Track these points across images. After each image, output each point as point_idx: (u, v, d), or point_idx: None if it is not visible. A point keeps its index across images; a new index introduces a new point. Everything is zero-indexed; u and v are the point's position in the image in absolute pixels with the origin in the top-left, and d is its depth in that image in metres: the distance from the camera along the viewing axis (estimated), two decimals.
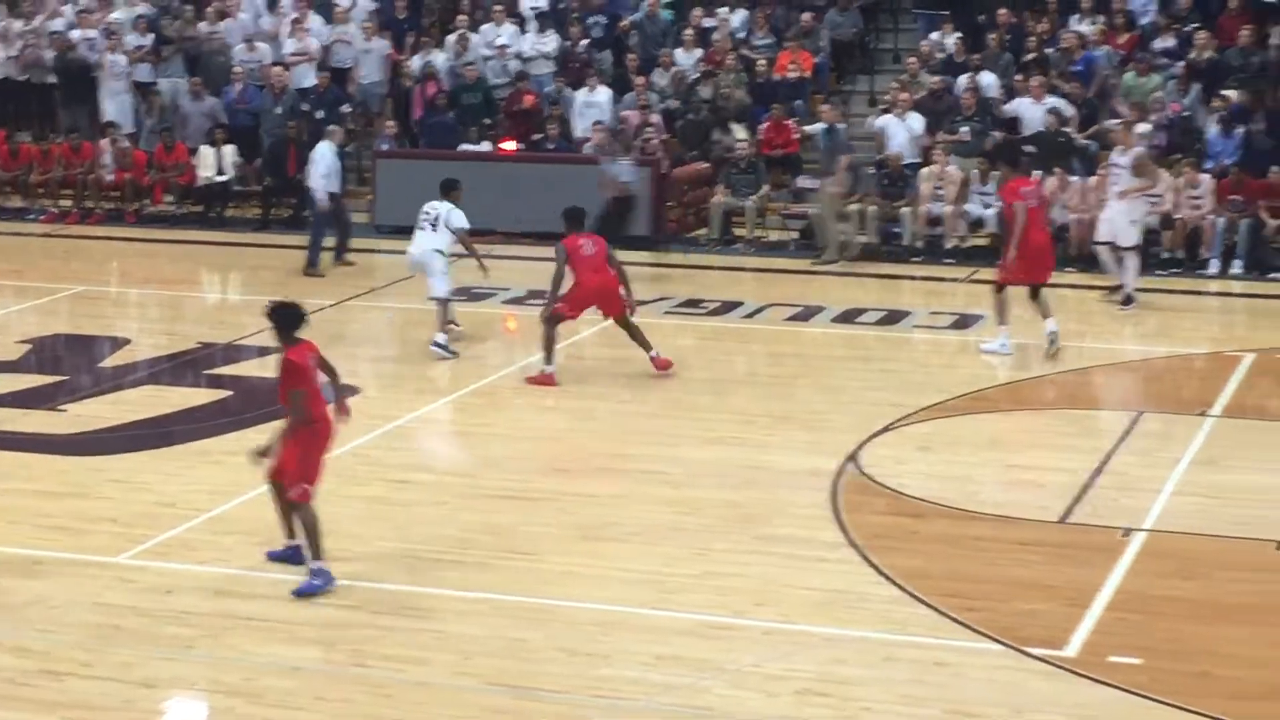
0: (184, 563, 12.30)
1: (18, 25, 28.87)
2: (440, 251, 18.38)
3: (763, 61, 26.21)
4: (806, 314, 20.25)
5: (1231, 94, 23.51)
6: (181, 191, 26.49)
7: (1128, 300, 20.22)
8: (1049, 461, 14.65)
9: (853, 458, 14.63)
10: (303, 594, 11.70)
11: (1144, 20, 25.94)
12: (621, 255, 17.73)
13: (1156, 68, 24.50)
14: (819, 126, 24.02)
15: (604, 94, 25.99)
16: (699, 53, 26.71)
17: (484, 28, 27.63)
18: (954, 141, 23.97)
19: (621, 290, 17.17)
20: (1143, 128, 22.72)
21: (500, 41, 27.12)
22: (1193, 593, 11.75)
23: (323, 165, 22.36)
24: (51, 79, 28.33)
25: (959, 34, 26.05)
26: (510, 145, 25.47)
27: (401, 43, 27.89)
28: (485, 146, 25.50)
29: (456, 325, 18.68)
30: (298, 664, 10.60)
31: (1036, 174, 21.78)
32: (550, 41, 27.23)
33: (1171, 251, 22.44)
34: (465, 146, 25.50)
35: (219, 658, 10.70)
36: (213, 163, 26.13)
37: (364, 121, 27.58)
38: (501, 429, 16.05)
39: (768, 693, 10.19)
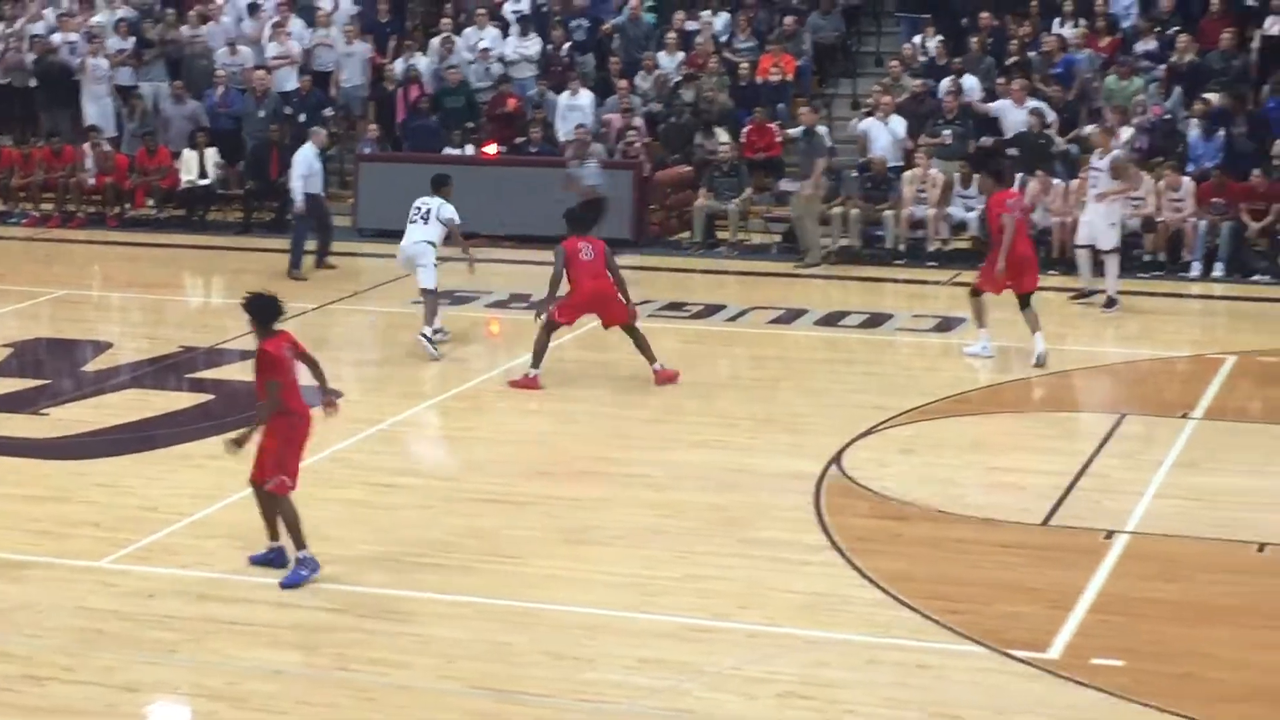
0: (166, 567, 12.27)
1: None
2: (431, 243, 18.50)
3: (745, 64, 26.24)
4: (789, 317, 20.27)
5: (1213, 97, 23.56)
6: (163, 195, 26.44)
7: (1110, 303, 20.25)
8: (1032, 464, 14.67)
9: (836, 460, 14.64)
10: (290, 585, 11.79)
11: (1125, 23, 26.00)
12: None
13: (1138, 71, 24.55)
14: (801, 129, 24.04)
15: (586, 97, 25.99)
16: (681, 56, 26.72)
17: (466, 31, 27.64)
18: (936, 145, 24.00)
19: (621, 297, 17.13)
20: (1125, 133, 22.79)
21: (483, 45, 27.12)
22: (1175, 595, 11.77)
23: (302, 166, 22.35)
24: (32, 82, 28.25)
25: (941, 37, 26.08)
26: (493, 149, 25.46)
27: (384, 46, 27.88)
28: (469, 150, 25.48)
29: (445, 333, 18.66)
30: (280, 668, 10.59)
31: (1020, 175, 21.92)
32: (533, 45, 27.24)
33: (1153, 254, 22.48)
34: (447, 150, 25.48)
35: (201, 662, 10.68)
36: (195, 166, 26.10)
37: (346, 125, 27.58)
38: (485, 432, 16.05)
39: (750, 695, 10.19)
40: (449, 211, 18.52)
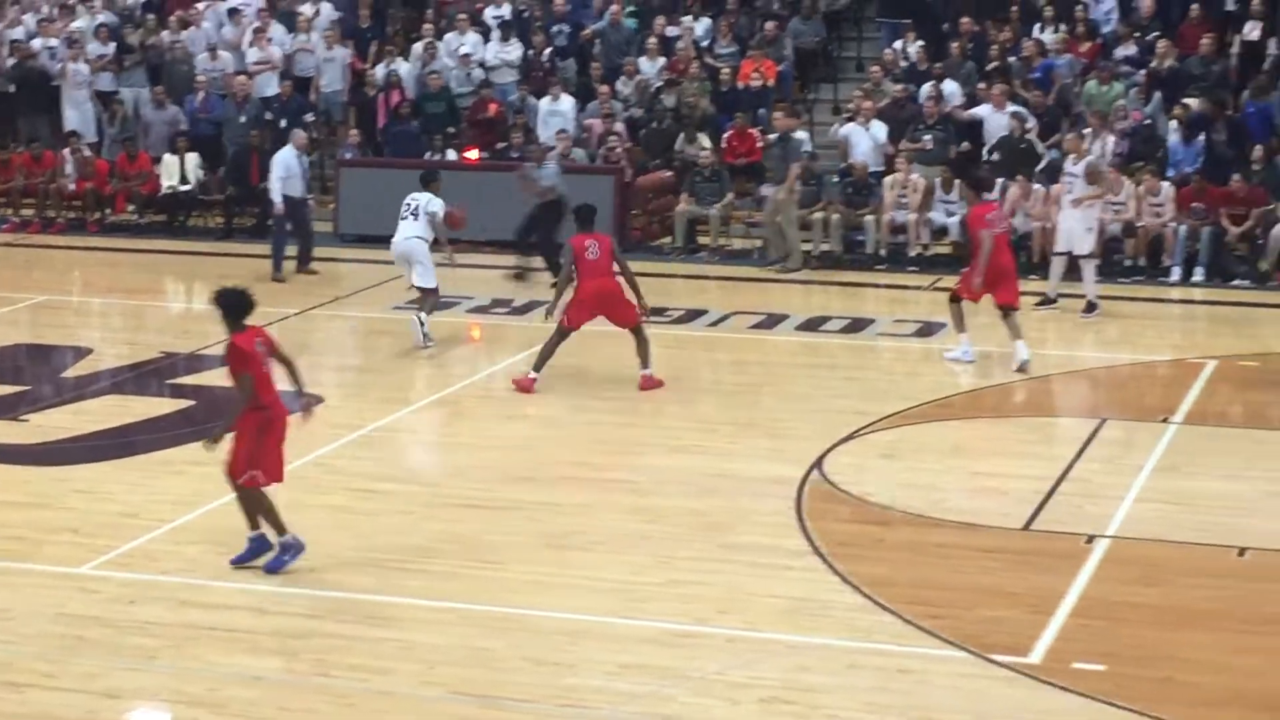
0: (147, 573, 12.25)
1: None
2: (422, 239, 18.67)
3: (726, 70, 26.24)
4: (771, 322, 20.28)
5: (1193, 102, 23.61)
6: (144, 201, 26.38)
7: (1090, 308, 20.29)
8: (1013, 469, 14.70)
9: (817, 465, 14.64)
10: (273, 569, 12.01)
11: (1106, 29, 26.05)
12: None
13: (1118, 76, 24.60)
14: (775, 135, 24.02)
15: (568, 102, 25.99)
16: (662, 61, 26.71)
17: (448, 36, 27.61)
18: (917, 150, 24.03)
19: (630, 295, 17.05)
20: (1107, 140, 22.87)
21: (464, 50, 27.10)
22: (1156, 599, 11.79)
23: (280, 168, 22.38)
24: (11, 88, 28.17)
25: (922, 42, 26.10)
26: (474, 154, 25.44)
27: (365, 51, 27.85)
28: (450, 155, 25.45)
29: (431, 342, 18.66)
30: (261, 674, 10.57)
31: (1001, 181, 21.95)
32: (514, 50, 27.22)
33: (1133, 259, 22.53)
34: (428, 156, 25.44)
35: (182, 668, 10.66)
36: (175, 172, 26.04)
37: (327, 131, 27.55)
38: (467, 438, 16.05)
39: (732, 700, 10.20)
40: (435, 205, 18.69)
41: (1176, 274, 22.29)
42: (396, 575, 12.15)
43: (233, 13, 28.44)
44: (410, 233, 18.72)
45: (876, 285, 22.52)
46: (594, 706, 10.14)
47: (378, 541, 12.85)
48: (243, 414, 11.96)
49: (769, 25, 27.04)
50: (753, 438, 15.62)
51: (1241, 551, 12.68)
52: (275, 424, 12.05)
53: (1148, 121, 23.82)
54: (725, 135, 25.12)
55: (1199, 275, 22.23)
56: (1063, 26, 25.80)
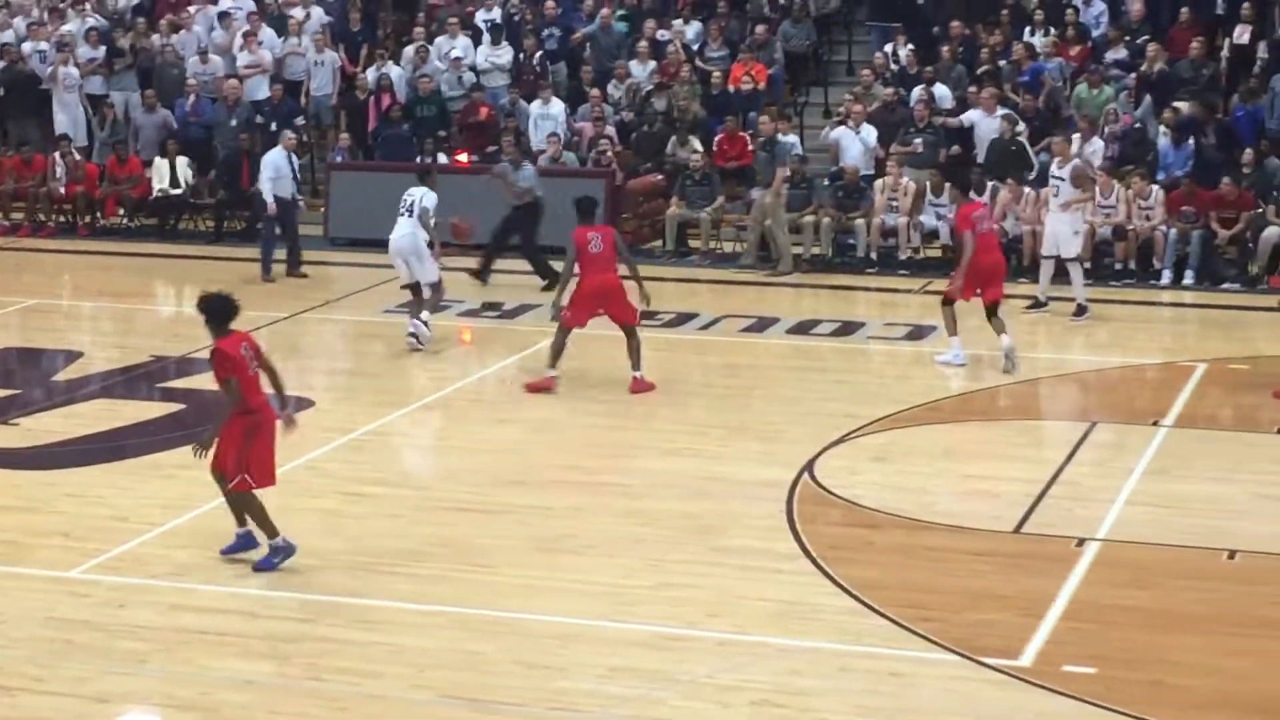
0: (137, 577, 12.24)
1: None
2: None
3: (717, 73, 26.25)
4: (761, 325, 20.28)
5: (1182, 105, 23.64)
6: (134, 204, 26.35)
7: (1080, 311, 20.31)
8: (1003, 472, 14.71)
9: (808, 469, 14.65)
10: (261, 569, 12.11)
11: (1096, 32, 26.08)
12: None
13: (1108, 79, 24.63)
14: (761, 139, 24.03)
15: (558, 106, 25.99)
16: (653, 65, 26.72)
17: (438, 40, 27.59)
18: (907, 153, 24.05)
19: (633, 298, 17.04)
20: (1097, 143, 22.91)
21: (454, 54, 27.09)
22: (1146, 602, 11.81)
23: (269, 169, 22.41)
24: (1, 91, 28.12)
25: (912, 46, 26.13)
26: (464, 157, 25.43)
27: (356, 55, 27.84)
28: (441, 159, 25.44)
29: (420, 345, 18.67)
30: (252, 678, 10.56)
31: (991, 184, 21.96)
32: (504, 54, 27.21)
33: (1124, 262, 22.55)
34: (419, 160, 25.43)
35: (173, 672, 10.65)
36: (166, 175, 26.01)
37: (318, 134, 27.54)
38: (458, 441, 16.04)
39: (722, 704, 10.20)
40: (428, 200, 18.77)
41: (1167, 277, 22.31)
42: (387, 579, 12.14)
43: (223, 16, 28.41)
44: (409, 229, 18.80)
45: (867, 288, 22.53)
46: (584, 710, 10.14)
47: (368, 545, 12.85)
48: (230, 418, 11.99)
49: (759, 29, 27.04)
50: (744, 441, 15.62)
51: (1231, 554, 12.69)
52: (264, 428, 12.12)
53: (1138, 125, 23.85)
54: (716, 139, 25.14)
55: (1189, 278, 22.25)
56: (1053, 30, 25.83)
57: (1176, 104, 23.68)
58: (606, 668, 10.68)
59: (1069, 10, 25.99)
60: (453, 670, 10.66)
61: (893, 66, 26.07)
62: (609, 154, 25.00)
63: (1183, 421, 16.25)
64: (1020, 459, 15.15)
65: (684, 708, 10.15)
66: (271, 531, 12.19)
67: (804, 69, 27.72)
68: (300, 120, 26.43)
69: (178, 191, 25.98)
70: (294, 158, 23.23)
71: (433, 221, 18.76)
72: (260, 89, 26.83)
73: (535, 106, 26.00)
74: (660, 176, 25.12)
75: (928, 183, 23.16)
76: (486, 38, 27.57)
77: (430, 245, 18.80)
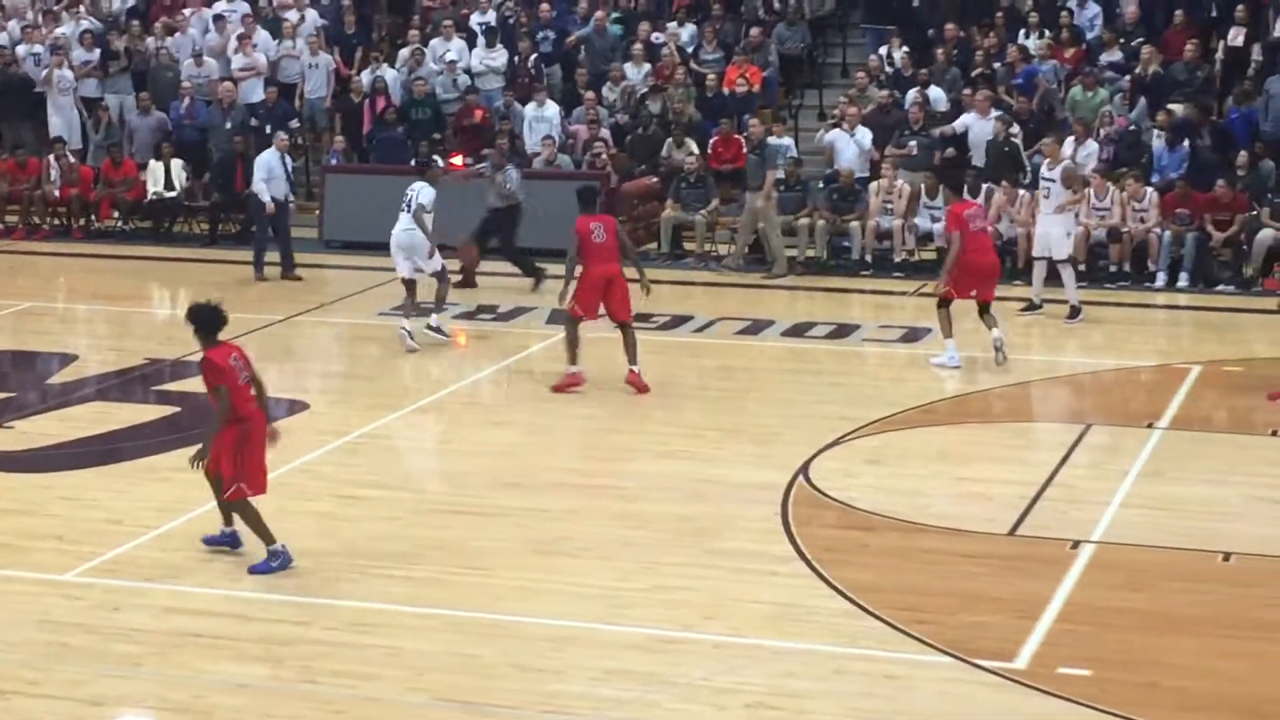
0: (132, 580, 12.23)
1: None
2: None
3: (711, 76, 26.26)
4: (756, 328, 20.28)
5: (1177, 108, 23.65)
6: (129, 207, 26.33)
7: (1073, 313, 20.31)
8: (998, 474, 14.71)
9: (803, 471, 14.65)
10: (256, 571, 12.13)
11: (1090, 35, 26.10)
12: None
13: (1103, 82, 24.65)
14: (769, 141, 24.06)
15: (553, 109, 26.00)
16: (648, 67, 26.73)
17: (433, 42, 27.59)
18: (902, 155, 24.06)
19: (633, 284, 17.05)
20: (1092, 145, 22.93)
21: (449, 56, 27.09)
22: (1141, 604, 11.81)
23: (263, 170, 22.47)
24: None
25: (906, 49, 26.15)
26: (459, 160, 25.42)
27: (350, 58, 27.84)
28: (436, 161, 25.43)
29: (414, 347, 18.69)
30: (246, 681, 10.55)
31: (986, 186, 21.96)
32: (499, 56, 27.22)
33: (1118, 264, 22.56)
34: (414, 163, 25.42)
35: (167, 675, 10.64)
36: (160, 178, 26.00)
37: (312, 137, 27.54)
38: (453, 444, 16.04)
39: (717, 706, 10.19)
40: (424, 196, 18.78)
41: (1161, 279, 22.32)
42: (382, 581, 12.14)
43: (218, 19, 28.40)
44: (409, 224, 18.84)
45: (862, 291, 22.54)
46: (579, 713, 10.14)
47: (363, 548, 12.84)
48: (221, 428, 12.01)
49: (754, 31, 27.07)
50: (739, 443, 15.62)
51: (1226, 556, 12.70)
52: (254, 435, 12.13)
53: (1132, 127, 23.87)
54: (711, 141, 25.13)
55: (1184, 281, 22.27)
56: (1047, 33, 25.84)
57: (1171, 106, 23.69)
58: (602, 670, 10.68)
59: (1064, 13, 26.03)
60: (448, 673, 10.65)
61: (887, 69, 26.09)
62: (604, 156, 25.00)
63: (1177, 424, 16.26)
64: (1015, 461, 15.16)
65: (679, 710, 10.14)
66: (269, 539, 12.19)
67: (799, 71, 27.74)
68: (295, 123, 26.43)
69: (172, 194, 25.97)
70: (288, 159, 23.28)
71: (429, 217, 18.75)
72: (255, 92, 26.84)
73: (530, 109, 26.00)
74: (655, 179, 25.12)
75: (922, 185, 23.18)
76: (481, 40, 27.57)
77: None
